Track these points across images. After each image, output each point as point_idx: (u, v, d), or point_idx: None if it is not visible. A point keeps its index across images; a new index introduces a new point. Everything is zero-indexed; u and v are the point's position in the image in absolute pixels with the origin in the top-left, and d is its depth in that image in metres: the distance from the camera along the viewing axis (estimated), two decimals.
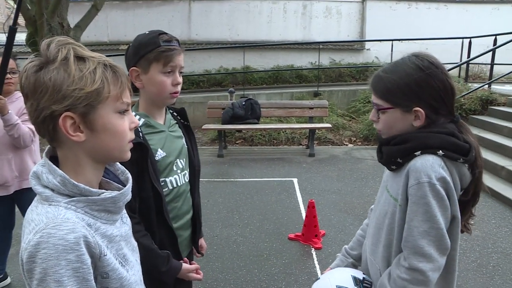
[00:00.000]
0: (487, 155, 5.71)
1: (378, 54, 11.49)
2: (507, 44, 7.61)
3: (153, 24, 10.97)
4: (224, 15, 11.96)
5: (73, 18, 7.76)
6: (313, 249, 3.71)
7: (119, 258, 0.98)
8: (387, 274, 1.34)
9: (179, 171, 1.63)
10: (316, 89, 9.74)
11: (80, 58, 0.90)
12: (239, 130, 7.74)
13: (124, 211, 1.07)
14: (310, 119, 7.40)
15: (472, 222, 1.45)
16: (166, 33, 1.52)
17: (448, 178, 1.23)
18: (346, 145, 7.71)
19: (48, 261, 0.82)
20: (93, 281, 0.88)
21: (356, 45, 12.05)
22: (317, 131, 7.56)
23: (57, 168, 0.91)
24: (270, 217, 4.39)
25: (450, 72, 7.05)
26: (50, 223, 0.84)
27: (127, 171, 1.09)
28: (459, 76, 9.59)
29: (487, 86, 7.99)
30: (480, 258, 3.52)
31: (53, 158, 0.96)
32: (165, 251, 1.53)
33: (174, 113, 1.73)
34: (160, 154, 1.55)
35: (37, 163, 2.91)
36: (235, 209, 4.63)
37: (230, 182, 5.60)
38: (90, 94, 0.89)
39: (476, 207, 1.40)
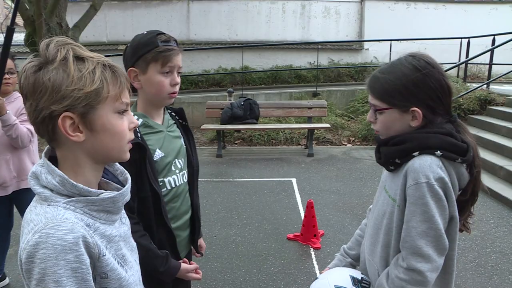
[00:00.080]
0: (486, 155, 5.72)
1: (377, 54, 11.50)
2: (505, 44, 7.62)
3: (151, 24, 10.98)
4: (223, 15, 11.97)
5: (71, 18, 7.76)
6: (312, 249, 3.71)
7: (118, 258, 0.98)
8: (385, 274, 1.34)
9: (177, 171, 1.63)
10: (315, 89, 9.75)
11: (79, 59, 0.90)
12: (238, 130, 7.74)
13: (123, 211, 1.07)
14: (309, 119, 7.40)
15: (471, 221, 1.46)
16: (164, 33, 1.51)
17: (446, 179, 1.23)
18: (345, 145, 7.72)
19: (47, 261, 0.82)
20: (92, 281, 0.88)
21: (355, 45, 12.06)
22: (315, 131, 7.56)
23: (56, 168, 0.91)
24: (269, 217, 4.39)
25: (448, 72, 7.02)
26: (49, 223, 0.84)
27: (126, 171, 1.09)
28: (457, 76, 9.61)
29: (485, 86, 8.00)
30: (478, 258, 3.53)
31: (52, 158, 0.96)
32: (164, 251, 1.53)
33: (173, 113, 1.73)
34: (158, 154, 1.55)
35: (35, 163, 2.90)
36: (234, 209, 4.63)
37: (228, 182, 5.60)
38: (89, 94, 0.89)
39: (474, 207, 1.40)
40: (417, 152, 1.26)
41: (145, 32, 1.53)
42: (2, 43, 2.10)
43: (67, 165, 0.94)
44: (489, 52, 8.02)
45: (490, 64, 8.27)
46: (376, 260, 1.41)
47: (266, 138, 7.81)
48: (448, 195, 1.24)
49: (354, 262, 1.65)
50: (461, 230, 1.41)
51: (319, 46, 10.79)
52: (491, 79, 8.22)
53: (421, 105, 1.28)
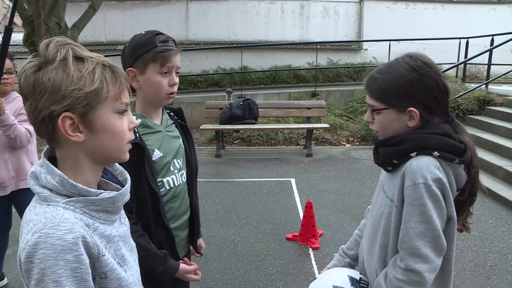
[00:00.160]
0: (484, 155, 5.73)
1: (376, 54, 11.50)
2: (504, 45, 7.63)
3: (150, 24, 10.96)
4: (222, 15, 11.96)
5: (70, 18, 7.75)
6: (310, 249, 3.71)
7: (117, 258, 0.98)
8: (383, 274, 1.34)
9: (176, 171, 1.63)
10: (314, 89, 9.75)
11: (79, 59, 0.90)
12: (237, 130, 7.74)
13: (123, 211, 1.07)
14: (308, 119, 7.40)
15: (471, 221, 1.46)
16: (162, 34, 1.51)
17: (444, 179, 1.23)
18: (344, 145, 7.72)
19: (46, 261, 0.82)
20: (92, 281, 0.88)
21: (354, 45, 12.06)
22: (314, 131, 7.56)
23: (55, 168, 0.91)
24: (268, 217, 4.39)
25: (447, 72, 7.02)
26: (49, 223, 0.84)
27: (125, 171, 1.09)
28: (456, 76, 9.62)
29: (484, 86, 8.01)
30: (477, 258, 3.53)
31: (52, 158, 0.96)
32: (163, 251, 1.53)
33: (171, 113, 1.73)
34: (157, 154, 1.55)
35: (34, 163, 2.90)
36: (233, 209, 4.63)
37: (227, 182, 5.59)
38: (89, 94, 0.89)
39: (473, 207, 1.40)
40: (415, 153, 1.27)
41: (143, 32, 1.53)
42: (0, 43, 2.10)
43: (67, 165, 0.94)
44: (488, 53, 8.02)
45: (489, 64, 8.28)
46: (374, 261, 1.41)
47: (265, 138, 7.81)
48: (446, 196, 1.24)
49: (353, 262, 1.66)
50: (460, 230, 1.42)
51: (318, 46, 10.80)
52: (489, 79, 8.22)
53: (418, 105, 1.28)
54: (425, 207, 1.22)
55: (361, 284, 1.43)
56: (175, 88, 1.56)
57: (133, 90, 1.53)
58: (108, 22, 11.76)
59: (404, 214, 1.27)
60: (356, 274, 1.47)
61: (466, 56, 9.31)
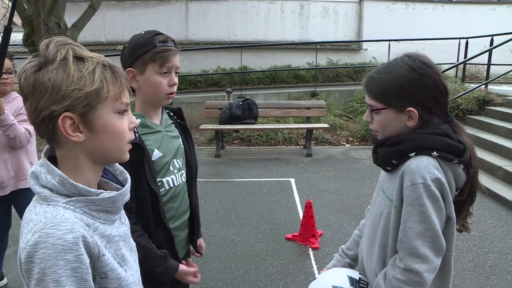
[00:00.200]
0: (484, 155, 5.73)
1: (375, 54, 11.50)
2: (503, 45, 7.63)
3: (150, 24, 10.96)
4: (222, 15, 11.96)
5: (70, 18, 7.74)
6: (310, 249, 3.71)
7: (117, 258, 0.98)
8: (382, 274, 1.34)
9: (176, 171, 1.63)
10: (314, 89, 9.75)
11: (79, 59, 0.90)
12: (237, 130, 7.74)
13: (123, 211, 1.07)
14: (308, 119, 7.41)
15: (470, 221, 1.46)
16: (162, 34, 1.51)
17: (443, 179, 1.23)
18: (344, 145, 7.73)
19: (46, 261, 0.82)
20: (92, 281, 0.88)
21: (354, 45, 12.06)
22: (314, 131, 7.57)
23: (55, 168, 0.91)
24: (268, 217, 4.39)
25: (447, 72, 7.01)
26: (49, 223, 0.84)
27: (125, 171, 1.09)
28: (456, 77, 9.63)
29: (483, 86, 8.01)
30: (477, 258, 3.53)
31: (52, 158, 0.96)
32: (163, 251, 1.53)
33: (171, 113, 1.73)
34: (156, 154, 1.55)
35: (33, 163, 2.90)
36: (233, 209, 4.63)
37: (227, 182, 5.59)
38: (89, 94, 0.89)
39: (473, 207, 1.40)
40: (414, 153, 1.27)
41: (142, 32, 1.53)
42: (0, 43, 2.10)
43: (67, 165, 0.94)
44: (487, 53, 8.02)
45: (489, 64, 8.28)
46: (373, 261, 1.41)
47: (264, 138, 7.81)
48: (445, 196, 1.24)
49: (353, 262, 1.66)
50: (460, 231, 1.41)
51: (318, 46, 10.80)
52: (489, 80, 8.23)
53: (417, 105, 1.28)
54: (424, 207, 1.22)
55: (360, 284, 1.43)
56: (175, 88, 1.56)
57: (132, 90, 1.53)
58: (107, 22, 11.76)
59: (403, 214, 1.27)
60: (356, 274, 1.47)
61: (465, 56, 9.32)
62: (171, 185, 1.61)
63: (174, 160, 1.63)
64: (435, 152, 1.25)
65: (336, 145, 7.71)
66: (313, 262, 3.49)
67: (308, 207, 3.83)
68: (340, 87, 10.14)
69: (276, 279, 3.23)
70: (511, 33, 7.75)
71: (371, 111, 1.37)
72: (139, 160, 1.45)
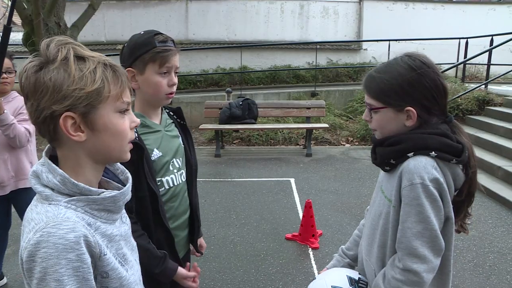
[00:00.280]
0: (484, 155, 5.73)
1: (375, 54, 11.50)
2: (503, 45, 7.63)
3: (150, 24, 10.96)
4: (221, 15, 11.96)
5: (69, 17, 7.74)
6: (310, 249, 3.71)
7: (118, 257, 0.98)
8: (381, 274, 1.34)
9: (175, 170, 1.63)
10: (313, 89, 9.75)
11: (80, 58, 0.90)
12: (236, 130, 7.74)
13: (124, 211, 1.07)
14: (307, 119, 7.41)
15: (469, 222, 1.46)
16: (161, 34, 1.51)
17: (441, 179, 1.23)
18: (343, 145, 7.73)
19: (48, 260, 0.82)
20: (93, 280, 0.88)
21: (353, 45, 12.06)
22: (314, 131, 7.57)
23: (57, 167, 0.91)
24: (267, 217, 4.39)
25: (447, 72, 7.00)
26: (50, 222, 0.84)
27: (126, 170, 1.09)
28: (456, 77, 9.63)
29: (483, 86, 8.01)
30: (476, 258, 3.53)
31: (52, 158, 0.96)
32: (163, 251, 1.53)
33: (171, 113, 1.73)
34: (156, 154, 1.55)
35: (33, 163, 2.89)
36: (232, 209, 4.63)
37: (227, 182, 5.59)
38: (90, 94, 0.89)
39: (472, 207, 1.40)
40: (412, 153, 1.27)
41: (142, 32, 1.52)
42: None
43: (68, 165, 0.94)
44: (487, 53, 8.02)
45: (488, 64, 8.28)
46: (372, 261, 1.41)
47: (264, 138, 7.81)
48: (443, 196, 1.24)
49: (353, 262, 1.66)
50: (458, 231, 1.41)
51: (318, 46, 10.80)
52: (489, 80, 8.23)
53: (416, 104, 1.28)
54: (422, 207, 1.22)
55: (359, 284, 1.43)
56: (174, 88, 1.56)
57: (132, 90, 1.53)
58: (107, 21, 11.75)
59: (401, 214, 1.27)
60: (355, 274, 1.47)
61: (465, 56, 9.32)
62: (171, 185, 1.61)
63: (174, 159, 1.62)
64: (433, 152, 1.25)
65: (336, 145, 7.71)
66: (313, 262, 3.49)
67: (308, 207, 3.83)
68: (340, 87, 10.14)
69: (275, 279, 3.23)
70: (511, 33, 7.75)
71: (370, 110, 1.37)
72: (138, 159, 1.45)
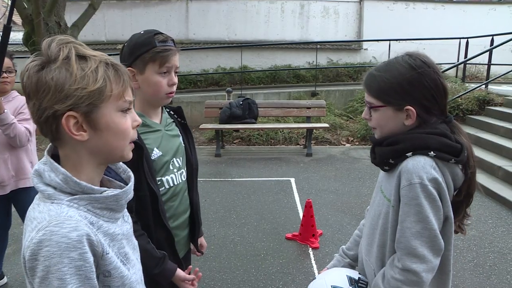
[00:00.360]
0: (484, 155, 5.73)
1: (376, 54, 11.50)
2: (504, 45, 7.63)
3: (150, 24, 10.96)
4: (222, 15, 11.96)
5: (70, 17, 7.74)
6: (310, 248, 3.71)
7: (120, 256, 0.98)
8: (381, 274, 1.34)
9: (175, 170, 1.63)
10: (314, 89, 9.75)
11: (81, 57, 0.90)
12: (237, 130, 7.74)
13: (126, 210, 1.07)
14: (308, 119, 7.40)
15: (469, 222, 1.46)
16: (161, 33, 1.51)
17: (440, 179, 1.23)
18: (344, 145, 7.73)
19: (50, 258, 0.82)
20: (96, 279, 0.88)
21: (354, 45, 12.06)
22: (314, 131, 7.57)
23: (59, 166, 0.91)
24: (268, 217, 4.39)
25: (447, 72, 7.00)
26: (53, 221, 0.84)
27: (129, 169, 1.09)
28: (456, 76, 9.62)
29: (484, 86, 8.01)
30: (476, 258, 3.53)
31: (54, 157, 0.96)
32: (162, 252, 1.52)
33: (171, 112, 1.73)
34: (156, 153, 1.55)
35: (33, 162, 2.89)
36: (233, 208, 4.63)
37: (227, 182, 5.60)
38: (92, 93, 0.89)
39: (472, 207, 1.40)
40: (411, 153, 1.27)
41: (142, 32, 1.52)
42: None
43: (70, 164, 0.94)
44: (488, 53, 8.02)
45: (489, 64, 8.28)
46: (372, 260, 1.41)
47: (264, 137, 7.82)
48: (442, 196, 1.24)
49: (353, 262, 1.66)
50: (456, 232, 1.41)
51: (318, 46, 10.81)
52: (489, 80, 8.22)
53: (415, 104, 1.28)
54: (421, 207, 1.22)
55: (359, 284, 1.43)
56: (174, 88, 1.56)
57: None
58: (108, 21, 11.76)
59: (400, 214, 1.27)
60: (355, 274, 1.47)
61: (466, 56, 9.32)
62: (171, 184, 1.61)
63: (174, 159, 1.62)
64: (432, 152, 1.24)
65: (336, 145, 7.71)
66: (313, 262, 3.49)
67: (308, 207, 3.83)
68: (340, 87, 10.14)
69: (275, 279, 3.23)
70: (511, 33, 7.74)
71: (369, 108, 1.37)
72: (138, 159, 1.44)
